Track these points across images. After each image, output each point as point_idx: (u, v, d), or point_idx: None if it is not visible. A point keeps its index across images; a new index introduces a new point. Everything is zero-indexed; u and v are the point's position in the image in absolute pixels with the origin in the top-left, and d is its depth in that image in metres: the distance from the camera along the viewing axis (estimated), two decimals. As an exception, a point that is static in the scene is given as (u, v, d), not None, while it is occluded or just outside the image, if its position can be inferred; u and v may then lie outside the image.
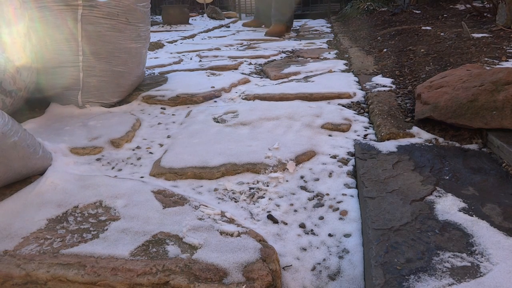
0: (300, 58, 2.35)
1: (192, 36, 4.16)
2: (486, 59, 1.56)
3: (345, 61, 2.11)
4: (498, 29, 2.19)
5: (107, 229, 0.70)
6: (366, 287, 0.58)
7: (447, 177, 0.80)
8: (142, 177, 0.95)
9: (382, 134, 1.05)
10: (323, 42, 3.11)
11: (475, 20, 2.79)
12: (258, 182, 0.90)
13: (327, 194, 0.84)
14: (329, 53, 2.44)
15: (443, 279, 0.52)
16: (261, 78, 1.89)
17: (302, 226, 0.75)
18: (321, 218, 0.77)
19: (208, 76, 1.87)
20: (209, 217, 0.74)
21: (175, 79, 1.80)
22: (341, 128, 1.16)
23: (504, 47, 1.75)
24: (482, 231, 0.62)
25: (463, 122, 0.98)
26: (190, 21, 6.31)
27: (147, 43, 1.63)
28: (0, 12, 1.17)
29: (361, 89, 1.51)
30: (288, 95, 1.46)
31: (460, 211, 0.68)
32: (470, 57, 1.62)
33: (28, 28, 1.29)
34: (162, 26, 5.56)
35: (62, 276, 0.59)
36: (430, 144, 0.99)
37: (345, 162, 0.97)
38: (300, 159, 0.98)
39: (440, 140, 1.01)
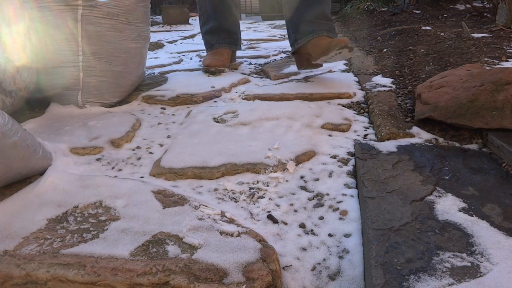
0: (300, 58, 2.35)
1: (192, 36, 4.16)
2: (486, 59, 1.56)
3: (345, 61, 2.11)
4: (498, 29, 2.19)
5: (107, 229, 0.70)
6: (366, 287, 0.58)
7: (447, 177, 0.80)
8: (142, 177, 0.95)
9: (382, 134, 1.05)
10: (323, 42, 3.11)
11: (475, 20, 2.79)
12: (258, 182, 0.90)
13: (327, 194, 0.84)
14: (329, 53, 2.43)
15: (443, 279, 0.52)
16: (261, 78, 1.89)
17: (302, 226, 0.75)
18: (321, 218, 0.77)
19: (208, 76, 1.87)
20: (209, 217, 0.74)
21: (175, 79, 1.80)
22: (341, 128, 1.16)
23: (504, 47, 1.75)
24: (482, 231, 0.62)
25: (463, 122, 0.98)
26: (190, 21, 6.31)
27: (147, 43, 1.63)
28: (0, 12, 1.17)
29: (361, 89, 1.50)
30: (288, 95, 1.46)
31: (460, 211, 0.68)
32: (470, 57, 1.62)
33: (28, 28, 1.29)
34: (162, 26, 5.56)
35: (62, 276, 0.59)
36: (430, 144, 0.99)
37: (345, 162, 0.97)
38: (300, 159, 0.98)
39: (440, 140, 1.01)
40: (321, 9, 1.64)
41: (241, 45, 2.20)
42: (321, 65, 1.77)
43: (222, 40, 2.03)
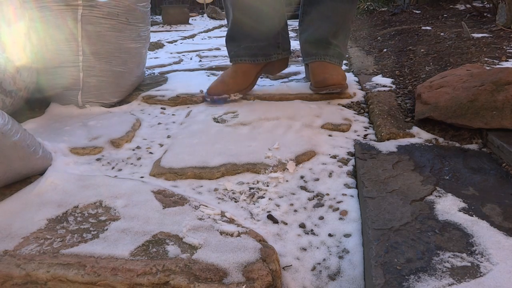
0: (300, 58, 2.35)
1: (192, 36, 4.17)
2: (486, 59, 1.56)
3: (345, 61, 2.11)
4: (498, 29, 2.20)
5: (107, 229, 0.70)
6: (366, 287, 0.58)
7: (447, 177, 0.80)
8: (142, 177, 0.95)
9: (382, 134, 1.05)
10: (323, 42, 3.11)
11: (475, 20, 2.79)
12: (258, 182, 0.90)
13: (327, 194, 0.84)
14: (329, 53, 2.43)
15: (443, 279, 0.52)
16: (261, 78, 1.89)
17: (302, 226, 0.75)
18: (321, 218, 0.77)
19: (208, 76, 1.87)
20: (209, 217, 0.74)
21: (175, 79, 1.80)
22: (341, 128, 1.16)
23: (504, 47, 1.75)
24: (482, 231, 0.62)
25: (463, 122, 0.98)
26: (190, 21, 6.32)
27: (147, 43, 1.63)
28: (0, 12, 1.17)
29: (361, 89, 1.50)
30: (288, 95, 1.46)
31: (460, 211, 0.68)
32: (470, 57, 1.62)
33: (28, 28, 1.29)
34: (162, 26, 5.57)
35: (62, 276, 0.59)
36: (430, 144, 0.99)
37: (345, 162, 0.97)
38: (300, 159, 0.98)
39: (440, 140, 1.01)
40: (326, 30, 1.43)
41: (289, 52, 1.51)
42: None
43: (242, 51, 1.41)
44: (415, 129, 1.06)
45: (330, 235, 0.71)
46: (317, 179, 0.91)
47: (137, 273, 0.58)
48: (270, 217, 0.77)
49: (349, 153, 1.01)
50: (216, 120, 1.27)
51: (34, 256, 0.63)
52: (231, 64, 1.45)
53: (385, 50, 2.23)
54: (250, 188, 0.88)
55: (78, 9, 1.31)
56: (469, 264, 0.55)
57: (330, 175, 0.92)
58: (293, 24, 5.51)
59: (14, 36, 1.22)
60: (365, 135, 1.12)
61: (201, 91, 1.55)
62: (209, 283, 0.56)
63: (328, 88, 1.39)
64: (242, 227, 0.71)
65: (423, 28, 2.64)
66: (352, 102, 1.39)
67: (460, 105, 1.01)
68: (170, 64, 2.30)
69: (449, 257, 0.56)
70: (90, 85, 1.40)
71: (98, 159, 1.05)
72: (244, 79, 1.43)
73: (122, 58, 1.45)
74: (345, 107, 1.35)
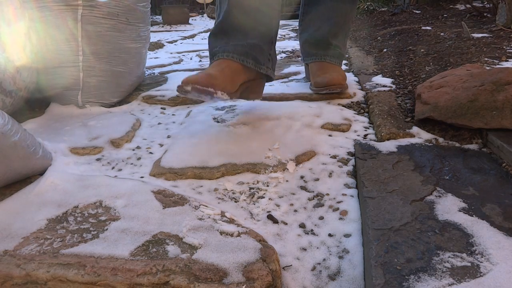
0: (300, 58, 2.35)
1: (192, 36, 4.17)
2: (486, 59, 1.56)
3: (345, 61, 2.11)
4: (498, 29, 2.20)
5: (107, 229, 0.70)
6: (366, 287, 0.58)
7: (447, 177, 0.80)
8: (142, 177, 0.95)
9: (382, 134, 1.05)
10: (323, 42, 3.10)
11: (475, 20, 2.79)
12: (258, 182, 0.90)
13: (327, 194, 0.84)
14: (329, 53, 2.43)
15: (443, 279, 0.52)
16: (261, 78, 1.89)
17: (302, 226, 0.75)
18: (321, 218, 0.77)
19: (208, 76, 1.87)
20: (209, 217, 0.74)
21: (175, 79, 1.80)
22: (341, 128, 1.16)
23: (504, 47, 1.75)
24: (482, 231, 0.62)
25: (463, 122, 0.98)
26: (190, 21, 6.32)
27: (147, 43, 1.63)
28: (0, 12, 1.17)
29: (361, 89, 1.50)
30: (288, 95, 1.46)
31: (460, 211, 0.68)
32: (470, 57, 1.62)
33: (28, 28, 1.29)
34: (162, 26, 5.57)
35: (62, 276, 0.59)
36: (430, 144, 0.99)
37: (345, 162, 0.97)
38: (300, 159, 0.98)
39: (440, 140, 1.01)
40: (327, 31, 1.44)
41: (273, 71, 1.29)
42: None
43: (230, 47, 1.15)
44: (415, 129, 1.06)
45: (330, 235, 0.71)
46: (317, 179, 0.91)
47: (137, 273, 0.58)
48: (270, 217, 0.77)
49: (349, 153, 1.01)
50: (216, 120, 1.27)
51: (34, 256, 0.63)
52: (212, 61, 1.17)
53: (385, 50, 2.23)
54: (250, 188, 0.88)
55: (78, 9, 1.31)
56: (469, 264, 0.55)
57: (330, 175, 0.92)
58: (293, 24, 5.51)
59: (14, 36, 1.22)
60: (365, 135, 1.12)
61: None
62: (209, 283, 0.56)
63: (328, 88, 1.39)
64: (242, 227, 0.71)
65: (423, 28, 2.64)
66: (352, 102, 1.39)
67: (460, 105, 1.01)
68: (170, 64, 2.30)
69: (449, 257, 0.56)
70: (90, 85, 1.40)
71: (98, 159, 1.05)
72: (232, 79, 1.11)
73: (122, 58, 1.45)
74: (345, 107, 1.35)
